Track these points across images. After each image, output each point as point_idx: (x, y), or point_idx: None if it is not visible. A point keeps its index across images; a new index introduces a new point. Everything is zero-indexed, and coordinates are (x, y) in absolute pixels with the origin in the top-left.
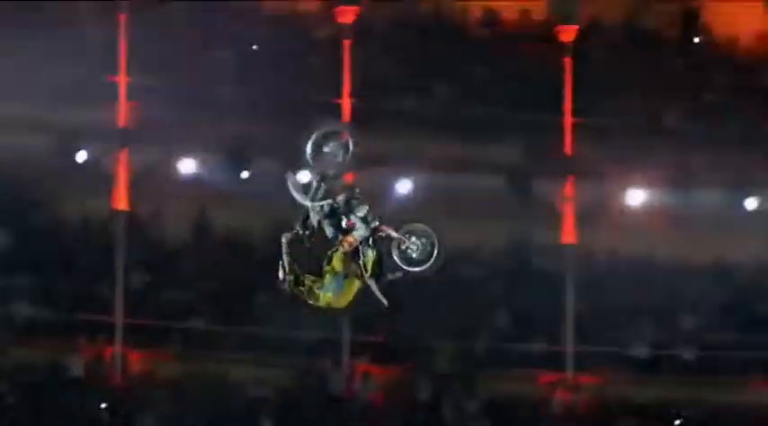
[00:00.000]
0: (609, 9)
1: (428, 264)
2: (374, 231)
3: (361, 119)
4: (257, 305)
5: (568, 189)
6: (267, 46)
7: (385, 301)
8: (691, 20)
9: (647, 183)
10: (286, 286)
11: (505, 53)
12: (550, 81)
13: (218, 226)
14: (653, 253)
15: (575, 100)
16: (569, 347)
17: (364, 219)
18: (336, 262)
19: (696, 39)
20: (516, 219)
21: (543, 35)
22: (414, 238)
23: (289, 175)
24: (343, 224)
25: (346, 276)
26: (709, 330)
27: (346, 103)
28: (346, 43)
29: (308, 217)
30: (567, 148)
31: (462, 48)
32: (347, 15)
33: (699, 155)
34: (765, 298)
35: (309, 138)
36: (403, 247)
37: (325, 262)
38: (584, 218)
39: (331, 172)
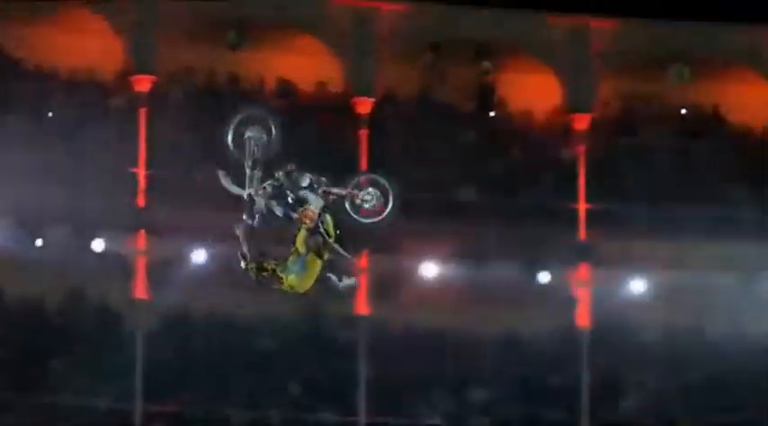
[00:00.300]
0: (405, 82)
1: (386, 212)
2: (324, 195)
3: (156, 189)
4: (51, 372)
5: (363, 262)
6: (63, 112)
7: (348, 255)
8: (486, 93)
9: (442, 256)
10: (251, 274)
11: (302, 124)
12: (347, 152)
13: (12, 293)
14: (447, 325)
15: (370, 170)
16: (363, 417)
17: (310, 187)
18: (299, 244)
19: (491, 113)
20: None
21: (340, 107)
22: (364, 190)
23: (220, 173)
24: (289, 199)
25: (307, 253)
26: (500, 402)
27: (142, 172)
28: (142, 112)
29: (252, 204)
30: None
31: None
32: (143, 84)
33: (492, 228)
34: (556, 371)
35: (228, 127)
36: (357, 201)
37: (272, 261)
38: (378, 290)
39: (259, 155)
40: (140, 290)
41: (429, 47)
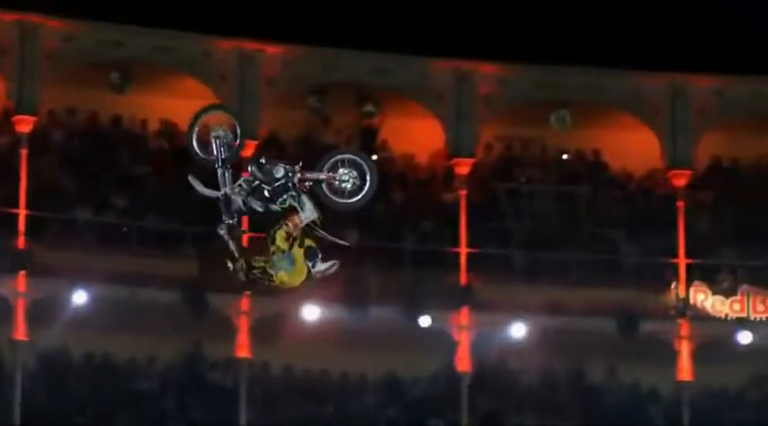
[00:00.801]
0: (288, 124)
1: (366, 188)
2: (300, 181)
3: (35, 229)
4: None
5: (244, 303)
6: None
7: (341, 241)
8: (369, 137)
9: (323, 299)
10: (241, 275)
11: (184, 166)
12: None
13: None
14: (328, 368)
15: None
16: None
17: (285, 177)
18: (280, 241)
19: (374, 156)
20: (190, 332)
21: None
22: (341, 171)
23: (191, 178)
24: (266, 192)
25: (291, 248)
26: None
27: (22, 213)
28: (23, 152)
29: (229, 203)
30: None
31: (141, 159)
32: (25, 125)
33: (374, 271)
34: (436, 414)
35: (191, 129)
36: (336, 184)
37: (268, 242)
38: (259, 333)
39: (228, 155)
40: (20, 331)
41: (313, 90)
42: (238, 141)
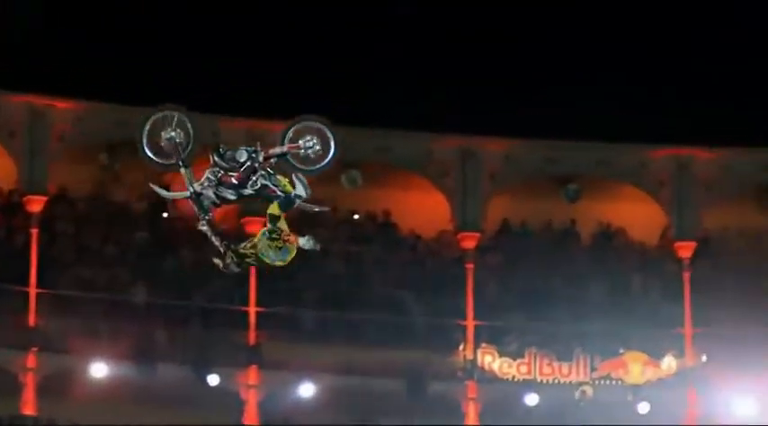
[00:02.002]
0: (79, 180)
1: (331, 153)
2: (265, 159)
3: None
4: None
5: (30, 360)
6: None
7: (319, 207)
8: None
9: (111, 356)
10: (234, 268)
11: None
12: (19, 251)
13: None
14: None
15: (42, 272)
16: None
17: (250, 159)
18: (264, 248)
19: (164, 213)
20: None
21: (11, 205)
22: (302, 140)
23: (155, 188)
24: (233, 179)
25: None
26: None
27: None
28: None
29: (201, 200)
30: (31, 320)
31: None
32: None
33: (163, 328)
34: None
35: (140, 139)
36: (301, 153)
37: (247, 244)
38: (46, 389)
39: (185, 153)
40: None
41: (104, 146)
42: (191, 138)
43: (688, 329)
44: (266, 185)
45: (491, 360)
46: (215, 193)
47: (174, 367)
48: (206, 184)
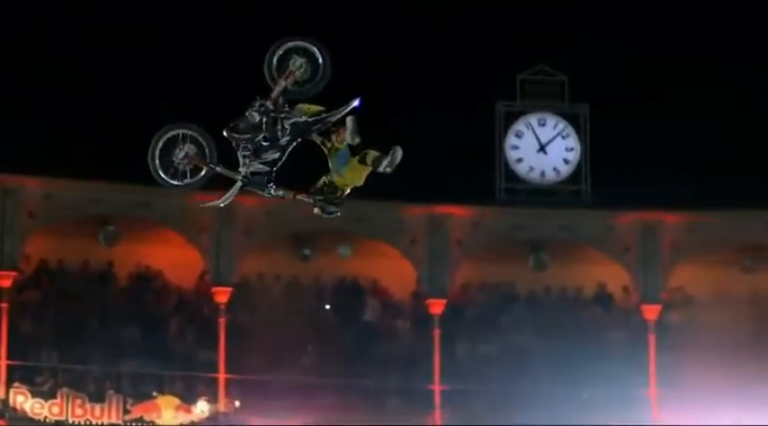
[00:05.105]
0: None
1: (321, 65)
2: (275, 105)
3: None
4: None
5: None
6: None
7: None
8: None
9: None
10: (328, 207)
11: None
12: None
13: None
14: None
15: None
16: None
17: (263, 114)
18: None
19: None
20: None
21: None
22: (292, 64)
23: (207, 205)
24: (264, 142)
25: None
26: None
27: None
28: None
29: (254, 181)
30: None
31: None
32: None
33: None
34: None
35: (152, 160)
36: (298, 76)
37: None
38: None
39: (212, 158)
40: None
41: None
42: (206, 143)
43: (222, 375)
44: (295, 123)
45: (23, 400)
46: (261, 163)
47: None
48: (247, 162)
